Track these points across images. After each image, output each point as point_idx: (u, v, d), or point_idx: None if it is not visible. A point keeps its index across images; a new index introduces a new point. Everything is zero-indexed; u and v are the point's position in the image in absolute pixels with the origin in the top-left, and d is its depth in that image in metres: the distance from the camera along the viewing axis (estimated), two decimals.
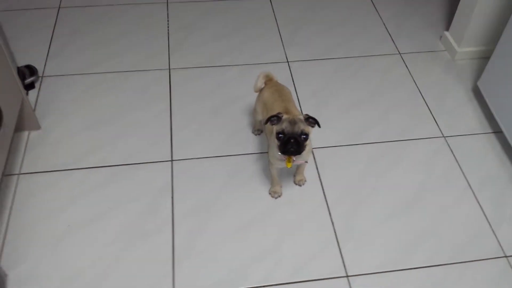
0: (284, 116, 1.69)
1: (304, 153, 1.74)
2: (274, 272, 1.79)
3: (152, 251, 1.83)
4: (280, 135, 1.68)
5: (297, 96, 2.40)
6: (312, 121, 1.69)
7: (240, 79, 2.49)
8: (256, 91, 2.04)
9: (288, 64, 2.59)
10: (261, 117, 2.03)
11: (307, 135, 1.68)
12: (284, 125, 1.67)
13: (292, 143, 1.67)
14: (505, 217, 1.97)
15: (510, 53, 2.09)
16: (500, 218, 1.97)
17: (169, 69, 2.54)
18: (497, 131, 2.27)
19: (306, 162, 1.89)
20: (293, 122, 1.67)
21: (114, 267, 1.78)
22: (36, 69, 2.44)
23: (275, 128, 1.70)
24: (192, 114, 2.32)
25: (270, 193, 2.01)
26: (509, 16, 2.09)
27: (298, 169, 2.01)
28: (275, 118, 1.70)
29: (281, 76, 2.49)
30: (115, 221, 1.91)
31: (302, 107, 2.35)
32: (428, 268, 1.81)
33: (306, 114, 1.70)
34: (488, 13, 2.45)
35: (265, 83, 2.01)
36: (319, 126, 1.70)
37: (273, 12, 2.92)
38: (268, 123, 1.72)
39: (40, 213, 1.93)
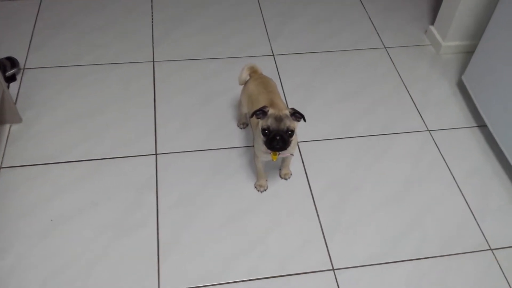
0: (270, 111, 1.67)
1: (289, 146, 1.74)
2: (260, 265, 1.78)
3: (137, 245, 1.81)
4: (266, 131, 1.67)
5: (283, 90, 2.39)
6: (298, 115, 1.68)
7: (225, 72, 2.47)
8: (241, 84, 2.02)
9: (274, 58, 2.58)
10: (246, 109, 2.01)
11: (292, 131, 1.67)
12: (270, 122, 1.65)
13: (277, 140, 1.66)
14: (489, 210, 1.99)
15: (494, 48, 2.10)
16: (484, 211, 1.98)
17: (153, 61, 2.51)
18: (482, 125, 2.29)
19: (292, 155, 1.88)
20: (278, 119, 1.65)
21: (99, 261, 1.76)
22: (17, 61, 2.39)
23: (261, 123, 1.69)
24: (176, 107, 2.29)
25: (255, 187, 2.00)
26: (493, 11, 2.10)
27: (283, 162, 2.00)
28: (260, 112, 1.68)
29: (267, 69, 2.47)
30: (99, 215, 1.89)
31: (287, 101, 2.34)
32: (414, 261, 1.82)
33: (292, 109, 1.68)
34: (472, 7, 2.46)
35: (250, 76, 1.99)
36: (304, 120, 1.69)
37: (259, 5, 2.90)
38: (254, 117, 1.71)
39: (22, 208, 1.90)
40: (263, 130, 1.67)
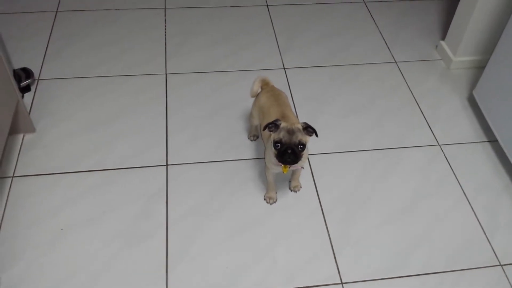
0: (282, 124, 1.68)
1: (300, 160, 1.74)
2: (268, 278, 1.78)
3: (146, 255, 1.82)
4: (277, 145, 1.67)
5: (293, 102, 2.40)
6: (310, 130, 1.68)
7: (236, 85, 2.49)
8: (252, 96, 2.04)
9: (285, 71, 2.59)
10: (257, 122, 2.03)
11: (304, 145, 1.67)
12: (282, 135, 1.66)
13: (289, 154, 1.66)
14: (499, 226, 1.98)
15: (505, 63, 2.10)
16: (494, 227, 1.97)
17: (166, 73, 2.54)
18: (492, 140, 2.28)
19: (303, 168, 1.89)
20: (291, 132, 1.65)
21: (107, 271, 1.77)
22: (32, 72, 2.43)
23: (273, 136, 1.69)
24: (188, 119, 2.31)
25: (265, 199, 2.00)
26: (504, 26, 2.10)
27: (293, 175, 2.01)
28: (272, 125, 1.69)
29: (278, 82, 2.48)
30: (109, 225, 1.90)
31: (298, 113, 2.35)
32: (422, 276, 1.81)
33: (305, 123, 1.69)
34: (483, 23, 2.46)
35: (262, 88, 2.01)
36: (316, 135, 1.70)
37: (270, 19, 2.92)
38: (266, 130, 1.72)
39: (34, 216, 1.92)
40: (275, 143, 1.67)
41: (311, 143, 2.11)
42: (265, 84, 2.01)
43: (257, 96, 2.01)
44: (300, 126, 1.67)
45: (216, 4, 3.01)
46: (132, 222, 1.92)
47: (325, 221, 1.96)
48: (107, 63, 2.58)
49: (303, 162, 1.80)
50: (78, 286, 1.73)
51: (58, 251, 1.82)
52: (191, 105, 2.38)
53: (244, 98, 2.33)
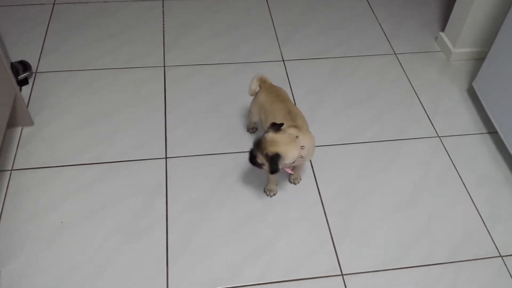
0: (266, 134, 1.68)
1: (306, 153, 1.74)
2: (268, 270, 1.78)
3: (146, 249, 1.81)
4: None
5: (293, 95, 2.40)
6: (268, 157, 1.66)
7: (235, 78, 2.48)
8: (251, 95, 2.03)
9: (284, 63, 2.58)
10: (256, 118, 2.02)
11: (256, 162, 1.73)
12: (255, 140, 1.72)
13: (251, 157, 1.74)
14: (500, 217, 1.98)
15: (505, 54, 2.09)
16: (495, 218, 1.97)
17: (164, 66, 2.52)
18: (492, 132, 2.28)
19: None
20: (258, 143, 1.69)
21: (108, 264, 1.77)
22: (29, 64, 2.41)
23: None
24: (187, 111, 2.30)
25: (265, 191, 2.00)
26: (504, 18, 2.09)
27: (294, 168, 2.00)
28: (272, 127, 1.69)
29: (277, 75, 2.49)
30: (109, 219, 1.89)
31: (298, 106, 2.34)
32: (423, 267, 1.81)
33: (267, 154, 1.65)
34: (483, 14, 2.45)
35: (260, 86, 2.00)
36: (270, 169, 1.68)
37: (269, 11, 2.91)
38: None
39: (33, 210, 1.91)
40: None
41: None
42: (262, 82, 2.00)
43: (256, 94, 2.01)
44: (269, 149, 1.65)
45: None
46: (132, 215, 1.91)
47: (325, 213, 1.95)
48: (105, 56, 2.56)
49: (307, 157, 1.81)
50: (79, 280, 1.72)
51: (58, 246, 1.81)
52: (190, 98, 2.37)
53: (243, 91, 2.32)
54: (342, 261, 1.81)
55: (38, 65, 2.49)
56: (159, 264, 1.78)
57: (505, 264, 1.83)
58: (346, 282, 1.76)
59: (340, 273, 1.78)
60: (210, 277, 1.75)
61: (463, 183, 2.08)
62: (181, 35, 2.72)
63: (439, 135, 2.27)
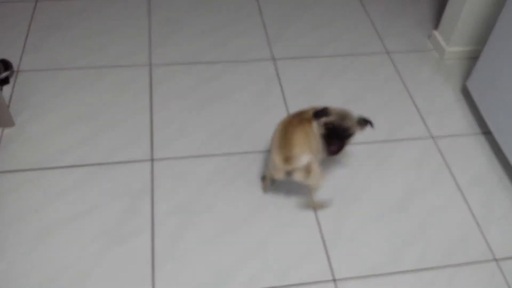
0: (333, 109, 1.73)
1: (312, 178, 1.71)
2: (259, 275, 1.73)
3: (131, 253, 1.76)
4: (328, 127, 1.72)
5: (283, 94, 2.35)
6: (364, 122, 1.78)
7: (224, 76, 2.43)
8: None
9: (274, 62, 2.53)
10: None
11: (351, 135, 1.75)
12: (333, 118, 1.71)
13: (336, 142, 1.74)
14: (494, 219, 1.94)
15: (499, 53, 2.06)
16: (489, 220, 1.93)
17: (150, 65, 2.46)
18: (486, 132, 2.24)
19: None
20: (343, 117, 1.73)
21: (92, 270, 1.71)
22: (11, 63, 2.35)
23: (324, 119, 1.72)
24: (174, 111, 2.25)
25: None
26: (497, 16, 2.06)
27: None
28: (322, 112, 1.72)
29: (267, 74, 2.44)
30: (93, 222, 1.84)
31: (288, 105, 2.29)
32: (417, 271, 1.77)
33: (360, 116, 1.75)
34: (477, 12, 2.42)
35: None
36: (372, 126, 1.79)
37: (259, 9, 2.86)
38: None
39: (15, 213, 1.85)
40: (325, 124, 1.71)
41: None
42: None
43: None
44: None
45: None
46: (117, 218, 1.85)
47: (316, 217, 1.91)
48: (90, 54, 2.50)
49: (313, 180, 1.74)
50: (63, 284, 1.67)
51: (42, 249, 1.75)
52: (177, 97, 2.31)
53: (232, 90, 2.28)
54: (334, 266, 1.77)
55: (19, 63, 2.42)
56: (145, 269, 1.72)
57: (500, 268, 1.80)
58: (338, 287, 1.71)
59: (332, 278, 1.73)
60: (198, 282, 1.70)
61: (457, 184, 2.05)
62: (168, 33, 2.66)
63: (433, 136, 2.23)
